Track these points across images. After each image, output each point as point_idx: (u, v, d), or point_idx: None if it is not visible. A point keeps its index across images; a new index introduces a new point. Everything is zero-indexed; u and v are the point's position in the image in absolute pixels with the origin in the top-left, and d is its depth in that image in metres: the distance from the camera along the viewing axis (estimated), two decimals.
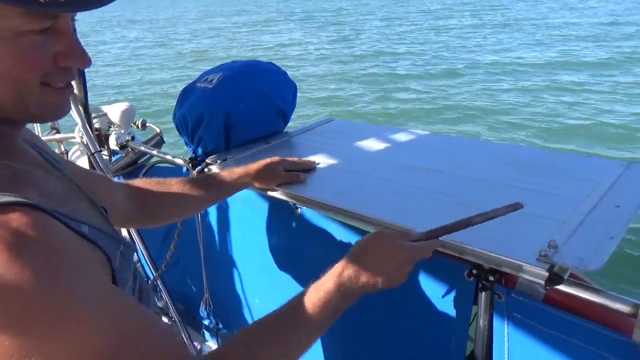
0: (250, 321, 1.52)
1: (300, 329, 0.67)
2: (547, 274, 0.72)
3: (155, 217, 1.02)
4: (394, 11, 21.81)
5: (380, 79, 9.02)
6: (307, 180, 1.10)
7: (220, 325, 1.68)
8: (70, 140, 2.06)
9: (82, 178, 0.75)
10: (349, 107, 7.45)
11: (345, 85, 8.75)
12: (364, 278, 0.70)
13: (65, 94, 0.60)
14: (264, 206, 1.32)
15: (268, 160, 1.07)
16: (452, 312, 0.96)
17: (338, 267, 0.72)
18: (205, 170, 1.25)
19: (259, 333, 0.67)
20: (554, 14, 16.23)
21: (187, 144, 1.38)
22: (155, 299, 1.89)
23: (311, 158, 1.19)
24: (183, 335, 1.55)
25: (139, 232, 1.62)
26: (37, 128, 2.13)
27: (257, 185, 1.08)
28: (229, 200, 1.39)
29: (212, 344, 1.74)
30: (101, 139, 1.82)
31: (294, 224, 1.26)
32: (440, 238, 0.78)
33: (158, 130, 1.86)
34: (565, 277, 0.73)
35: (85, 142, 1.60)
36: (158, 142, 1.82)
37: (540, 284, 0.73)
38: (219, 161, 1.23)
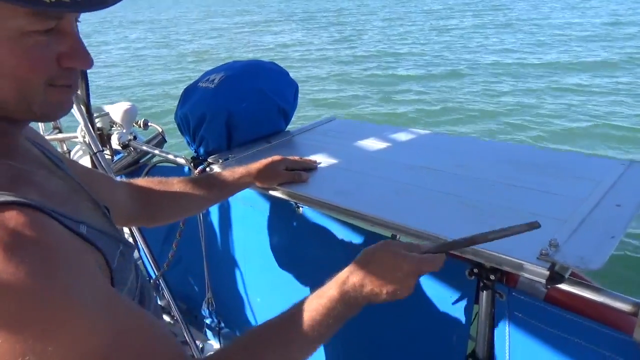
0: (252, 320, 1.52)
1: (302, 336, 0.66)
2: (548, 272, 0.72)
3: (157, 217, 1.03)
4: (395, 11, 21.81)
5: (382, 80, 9.01)
6: (309, 180, 1.10)
7: (222, 324, 1.68)
8: (72, 140, 2.07)
9: (84, 177, 0.75)
10: (350, 109, 7.44)
11: (347, 87, 8.75)
12: (368, 288, 0.68)
13: (69, 93, 0.60)
14: (265, 205, 1.32)
15: (269, 159, 1.07)
16: (453, 311, 0.96)
17: (343, 275, 0.70)
18: (207, 169, 1.25)
19: (261, 337, 0.67)
20: (556, 14, 16.22)
21: (189, 144, 1.38)
22: (158, 298, 1.90)
23: (312, 157, 1.19)
24: (185, 334, 1.55)
25: (141, 231, 1.63)
26: (41, 128, 2.14)
27: (258, 184, 1.08)
28: (231, 199, 1.39)
29: (214, 343, 1.74)
30: (103, 138, 1.82)
31: (295, 223, 1.26)
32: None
33: (160, 130, 1.86)
34: (566, 276, 0.73)
35: (87, 142, 1.61)
36: (160, 141, 1.82)
37: (541, 282, 0.73)
38: (220, 160, 1.24)
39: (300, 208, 1.23)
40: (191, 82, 1.39)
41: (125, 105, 1.84)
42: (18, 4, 0.49)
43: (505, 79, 8.41)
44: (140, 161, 1.73)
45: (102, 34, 20.35)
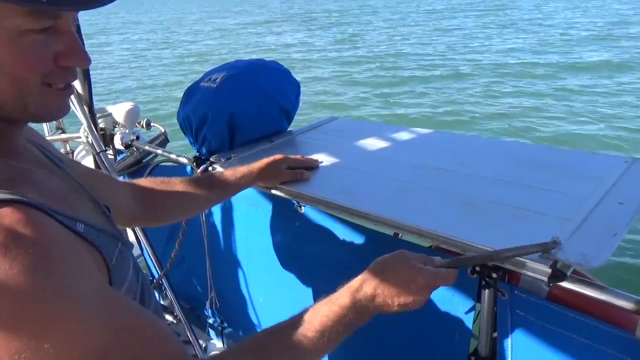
0: (254, 319, 1.52)
1: (311, 341, 0.65)
2: (550, 270, 0.72)
3: (160, 217, 1.03)
4: (398, 11, 21.78)
5: (384, 82, 8.99)
6: (311, 179, 1.10)
7: (225, 324, 1.68)
8: (75, 140, 2.08)
9: (86, 177, 0.76)
10: (351, 111, 7.42)
11: (348, 89, 8.73)
12: (380, 299, 0.68)
13: (65, 94, 0.61)
14: (267, 205, 1.32)
15: (271, 158, 1.07)
16: (455, 309, 0.96)
17: (356, 283, 0.70)
18: (210, 169, 1.26)
19: (269, 340, 0.66)
20: (558, 14, 16.16)
21: (191, 143, 1.38)
22: (161, 297, 1.91)
23: (315, 156, 1.19)
24: (188, 334, 1.55)
25: (144, 231, 1.63)
26: (45, 128, 2.15)
27: (261, 184, 1.08)
28: (233, 199, 1.39)
29: (217, 342, 1.75)
30: (106, 138, 1.83)
31: (297, 222, 1.26)
32: (449, 238, 0.77)
33: (162, 130, 1.87)
34: (569, 273, 0.73)
35: (90, 142, 1.61)
36: (163, 141, 1.83)
37: (543, 280, 0.73)
38: (222, 160, 1.24)
39: (303, 207, 1.23)
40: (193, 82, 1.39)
41: (127, 105, 1.85)
42: (15, 2, 0.49)
43: (508, 79, 8.38)
44: (143, 161, 1.73)
45: (105, 35, 20.42)
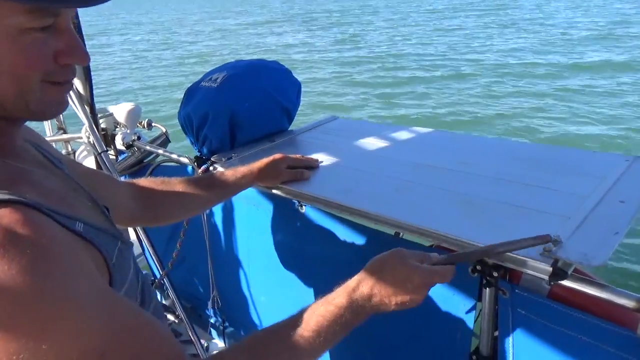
0: (256, 319, 1.52)
1: (307, 341, 0.65)
2: (551, 269, 0.72)
3: (159, 216, 1.03)
4: (398, 11, 21.77)
5: (385, 82, 8.99)
6: (312, 178, 1.10)
7: (227, 323, 1.68)
8: (77, 141, 2.08)
9: (86, 178, 0.76)
10: (352, 112, 7.42)
11: (349, 90, 8.74)
12: (377, 298, 0.68)
13: (65, 90, 0.61)
14: (268, 204, 1.33)
15: (271, 157, 1.07)
16: (456, 308, 0.96)
17: (352, 283, 0.70)
18: (211, 168, 1.26)
19: (266, 341, 0.67)
20: (560, 14, 16.14)
21: (192, 143, 1.39)
22: (162, 297, 1.91)
23: (315, 156, 1.19)
24: (190, 333, 1.55)
25: (145, 231, 1.63)
26: (47, 129, 2.15)
27: (261, 183, 1.08)
28: (234, 198, 1.40)
29: (218, 342, 1.75)
30: (107, 138, 1.84)
31: (298, 222, 1.26)
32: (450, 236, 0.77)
33: (164, 130, 1.87)
34: (570, 272, 0.73)
35: (92, 142, 1.62)
36: (164, 141, 1.83)
37: (544, 279, 0.73)
38: (223, 159, 1.24)
39: (304, 207, 1.23)
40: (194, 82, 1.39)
41: (129, 105, 1.85)
42: (18, 0, 0.49)
43: (509, 80, 8.38)
44: (144, 161, 1.74)
45: (107, 36, 20.45)
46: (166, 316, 1.78)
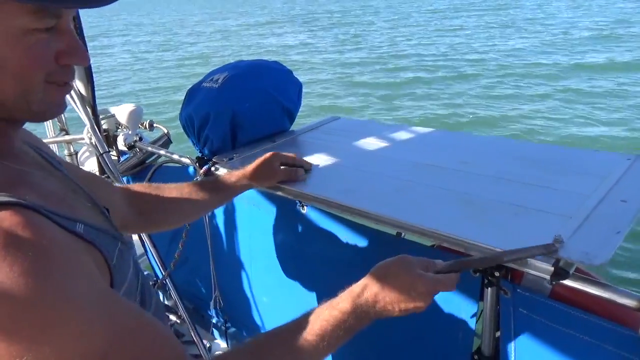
0: (258, 319, 1.52)
1: (311, 345, 0.66)
2: (552, 268, 0.72)
3: (155, 223, 1.03)
4: (399, 12, 21.77)
5: (386, 83, 8.98)
6: (313, 178, 1.10)
7: (229, 324, 1.69)
8: (79, 142, 2.08)
9: (84, 180, 0.76)
10: (353, 113, 7.40)
11: (350, 91, 8.73)
12: (381, 304, 0.69)
13: (65, 91, 0.62)
14: (270, 205, 1.33)
15: (262, 157, 1.05)
16: (458, 308, 0.96)
17: (356, 288, 0.70)
18: (212, 169, 1.26)
19: (269, 344, 0.67)
20: (561, 14, 16.12)
21: (193, 144, 1.39)
22: (164, 297, 1.91)
23: (317, 156, 1.19)
24: (192, 334, 1.56)
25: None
26: (49, 130, 2.15)
27: (256, 185, 1.07)
28: (235, 199, 1.40)
29: (221, 342, 1.75)
30: (109, 139, 1.84)
31: (300, 222, 1.27)
32: (448, 233, 0.77)
33: (165, 131, 1.87)
34: (571, 271, 0.73)
35: (93, 143, 1.62)
36: (166, 142, 1.84)
37: (546, 279, 0.73)
38: (225, 160, 1.24)
39: (305, 207, 1.23)
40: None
41: (130, 106, 1.86)
42: (23, 1, 0.50)
43: (511, 80, 8.36)
44: (146, 162, 1.74)
45: (108, 38, 20.49)
46: (168, 317, 1.78)
